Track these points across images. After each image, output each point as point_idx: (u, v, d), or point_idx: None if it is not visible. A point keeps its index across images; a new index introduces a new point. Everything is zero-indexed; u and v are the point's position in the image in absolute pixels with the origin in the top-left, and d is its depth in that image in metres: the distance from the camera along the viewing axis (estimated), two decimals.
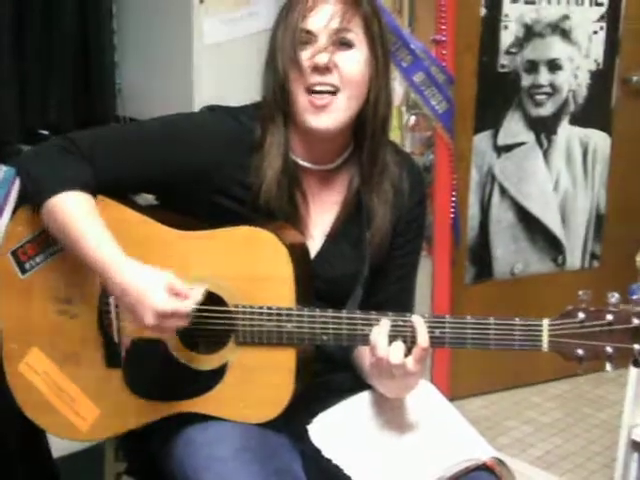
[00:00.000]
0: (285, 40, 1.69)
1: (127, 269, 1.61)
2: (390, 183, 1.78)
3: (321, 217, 1.79)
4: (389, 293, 1.82)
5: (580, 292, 1.58)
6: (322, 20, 1.67)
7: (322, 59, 1.66)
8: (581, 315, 1.57)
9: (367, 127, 1.75)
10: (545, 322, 1.59)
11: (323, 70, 1.67)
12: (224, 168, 1.71)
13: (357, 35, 1.69)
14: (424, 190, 1.90)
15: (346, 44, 1.69)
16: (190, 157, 1.71)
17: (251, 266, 1.66)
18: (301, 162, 1.76)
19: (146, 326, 1.59)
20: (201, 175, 1.71)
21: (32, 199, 1.70)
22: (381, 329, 1.61)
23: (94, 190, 1.69)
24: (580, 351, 1.57)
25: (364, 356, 1.74)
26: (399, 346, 1.59)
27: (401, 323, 1.62)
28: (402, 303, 1.82)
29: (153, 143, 1.73)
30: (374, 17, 1.72)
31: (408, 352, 1.60)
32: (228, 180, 1.72)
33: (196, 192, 1.72)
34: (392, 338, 1.61)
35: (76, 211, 1.65)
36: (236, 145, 1.72)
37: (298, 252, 1.68)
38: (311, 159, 1.76)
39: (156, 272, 1.60)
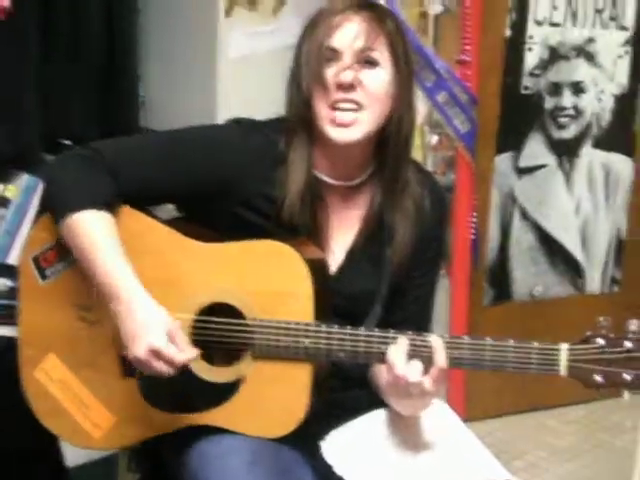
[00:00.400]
0: (310, 57, 1.70)
1: (138, 298, 1.62)
2: (412, 201, 1.78)
3: (342, 233, 1.79)
4: (407, 312, 1.82)
5: (600, 318, 1.57)
6: (347, 38, 1.68)
7: (347, 77, 1.67)
8: (600, 341, 1.56)
9: (390, 145, 1.75)
10: (564, 347, 1.59)
11: (347, 88, 1.67)
12: (248, 181, 1.72)
13: (381, 53, 1.70)
14: (445, 210, 1.91)
15: (370, 62, 1.69)
16: (215, 169, 1.72)
17: (271, 280, 1.66)
18: (324, 178, 1.76)
19: (134, 357, 1.60)
20: (225, 187, 1.72)
21: (54, 212, 1.71)
22: (399, 348, 1.61)
23: (117, 204, 1.70)
24: (598, 377, 1.56)
25: (381, 373, 1.73)
26: (417, 365, 1.59)
27: (419, 342, 1.62)
28: (420, 322, 1.81)
29: (178, 153, 1.74)
30: (398, 36, 1.73)
31: (425, 371, 1.59)
32: (252, 193, 1.72)
33: (219, 203, 1.73)
34: (410, 357, 1.60)
35: (95, 232, 1.66)
36: (261, 158, 1.73)
37: (318, 268, 1.68)
38: (334, 175, 1.77)
39: (164, 313, 1.62)
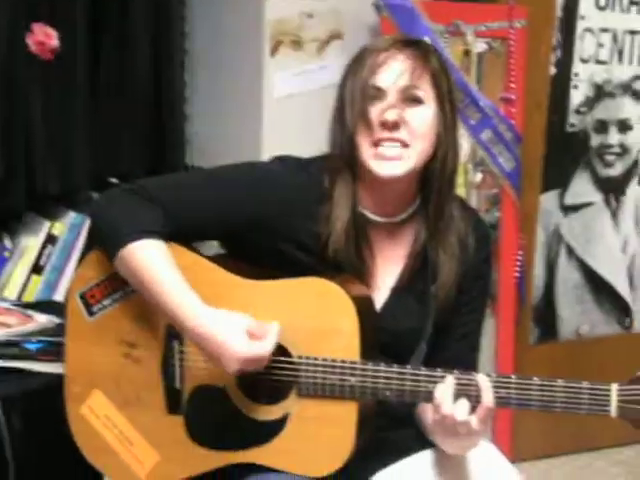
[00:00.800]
0: (354, 95, 1.70)
1: (204, 318, 1.62)
2: (456, 237, 1.77)
3: (387, 270, 1.78)
4: (453, 350, 1.80)
5: None
6: (391, 77, 1.68)
7: (391, 116, 1.67)
8: None
9: (434, 182, 1.74)
10: (614, 387, 1.56)
11: (392, 126, 1.67)
12: (293, 217, 1.72)
13: (426, 92, 1.70)
14: (490, 247, 1.89)
15: (415, 100, 1.69)
16: (260, 205, 1.72)
17: (317, 318, 1.65)
18: (368, 215, 1.76)
19: (232, 373, 1.62)
20: (269, 224, 1.72)
21: (106, 246, 1.72)
22: (446, 386, 1.59)
23: (166, 236, 1.71)
24: None
25: (427, 412, 1.72)
26: (464, 404, 1.57)
27: (466, 381, 1.60)
28: (466, 361, 1.79)
29: (223, 190, 1.75)
30: (442, 73, 1.73)
31: (472, 410, 1.58)
32: (296, 229, 1.73)
33: (264, 240, 1.73)
34: (457, 396, 1.59)
35: (152, 259, 1.67)
36: (305, 195, 1.73)
37: (364, 306, 1.68)
38: (378, 212, 1.76)
39: (232, 317, 1.63)
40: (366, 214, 1.76)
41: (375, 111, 1.68)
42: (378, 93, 1.69)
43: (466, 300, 1.81)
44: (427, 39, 2.88)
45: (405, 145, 1.68)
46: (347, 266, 1.72)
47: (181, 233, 1.72)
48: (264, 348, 1.60)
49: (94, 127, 2.76)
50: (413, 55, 1.71)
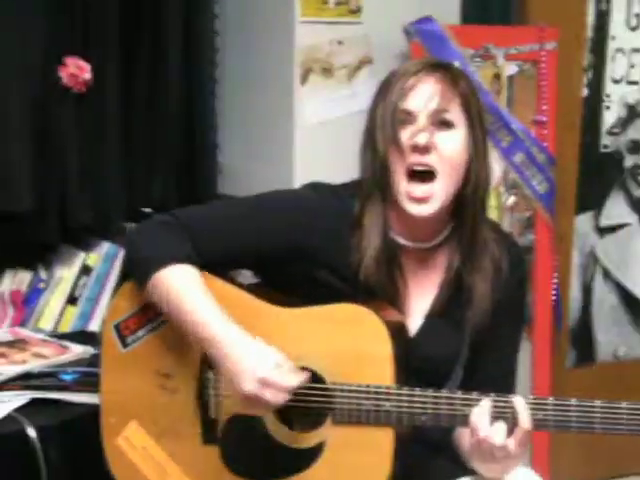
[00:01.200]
0: (385, 119, 1.70)
1: (236, 337, 1.63)
2: (490, 261, 1.76)
3: (421, 296, 1.77)
4: (489, 375, 1.79)
5: None
6: (422, 100, 1.68)
7: (422, 140, 1.66)
8: None
9: (466, 207, 1.73)
10: None
11: (423, 150, 1.67)
12: (325, 245, 1.72)
13: (456, 115, 1.70)
14: (525, 271, 1.88)
15: (445, 124, 1.69)
16: (292, 234, 1.72)
17: (350, 344, 1.65)
18: (400, 240, 1.75)
19: (244, 394, 1.59)
20: (302, 252, 1.72)
21: (138, 274, 1.73)
22: (482, 410, 1.58)
23: (198, 265, 1.71)
24: None
25: (464, 436, 1.70)
26: (501, 427, 1.56)
27: (502, 404, 1.59)
28: (502, 385, 1.77)
29: (255, 219, 1.75)
30: (472, 97, 1.73)
31: (510, 433, 1.56)
32: (329, 256, 1.72)
33: (296, 268, 1.73)
34: (493, 419, 1.57)
35: (183, 284, 1.68)
36: (338, 222, 1.73)
37: (397, 331, 1.67)
38: (410, 237, 1.76)
39: (265, 346, 1.62)
40: (397, 240, 1.75)
41: (406, 135, 1.68)
42: (408, 117, 1.68)
43: (501, 324, 1.79)
44: (457, 63, 2.89)
45: (435, 171, 1.67)
46: (379, 292, 1.72)
47: (213, 261, 1.73)
48: (289, 381, 1.59)
49: (127, 158, 2.78)
50: (442, 78, 1.70)
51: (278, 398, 1.59)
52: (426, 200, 1.68)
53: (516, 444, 1.57)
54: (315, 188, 1.80)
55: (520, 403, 1.58)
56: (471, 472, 1.74)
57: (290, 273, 1.75)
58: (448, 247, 1.78)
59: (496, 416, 1.59)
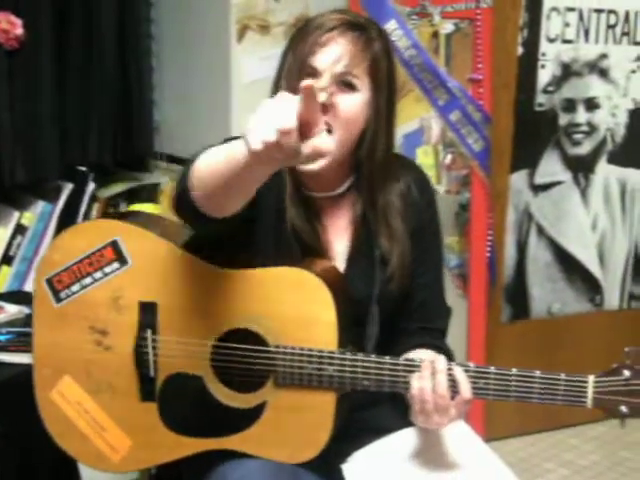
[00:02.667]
0: (291, 70, 1.70)
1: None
2: (399, 197, 1.80)
3: (340, 241, 1.80)
4: (420, 300, 1.83)
5: (626, 349, 1.58)
6: (329, 59, 1.68)
7: (321, 98, 1.64)
8: (627, 373, 1.57)
9: (364, 167, 1.76)
10: (591, 378, 1.59)
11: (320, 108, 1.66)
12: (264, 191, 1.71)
13: (361, 79, 1.70)
14: (432, 192, 1.91)
15: (348, 85, 1.69)
16: None
17: (295, 307, 1.65)
18: (307, 192, 1.77)
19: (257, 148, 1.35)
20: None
21: (182, 187, 1.59)
22: (423, 374, 1.60)
23: None
24: (624, 408, 1.57)
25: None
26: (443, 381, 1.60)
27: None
28: (435, 308, 1.85)
29: None
30: (384, 61, 1.73)
31: (451, 399, 1.59)
32: (268, 215, 1.74)
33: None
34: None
35: (209, 156, 1.54)
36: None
37: (340, 291, 1.68)
38: (316, 187, 1.78)
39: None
40: (305, 191, 1.77)
41: None
42: (313, 73, 1.68)
43: (421, 248, 1.83)
44: (394, 22, 2.89)
45: (329, 129, 1.65)
46: (306, 239, 1.74)
47: None
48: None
49: (61, 116, 2.74)
50: (356, 40, 1.70)
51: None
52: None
53: (456, 408, 1.61)
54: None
55: (460, 373, 1.61)
56: (409, 424, 1.77)
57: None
58: (354, 194, 1.81)
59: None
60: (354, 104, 1.70)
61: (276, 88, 1.74)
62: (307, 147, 1.30)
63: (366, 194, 1.78)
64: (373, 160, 1.75)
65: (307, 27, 1.73)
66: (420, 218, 1.83)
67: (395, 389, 1.65)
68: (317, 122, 1.31)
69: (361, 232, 1.80)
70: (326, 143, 1.31)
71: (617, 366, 1.58)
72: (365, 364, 1.64)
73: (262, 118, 1.31)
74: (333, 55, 1.68)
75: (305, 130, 1.30)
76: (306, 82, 1.28)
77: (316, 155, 1.31)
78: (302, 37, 1.71)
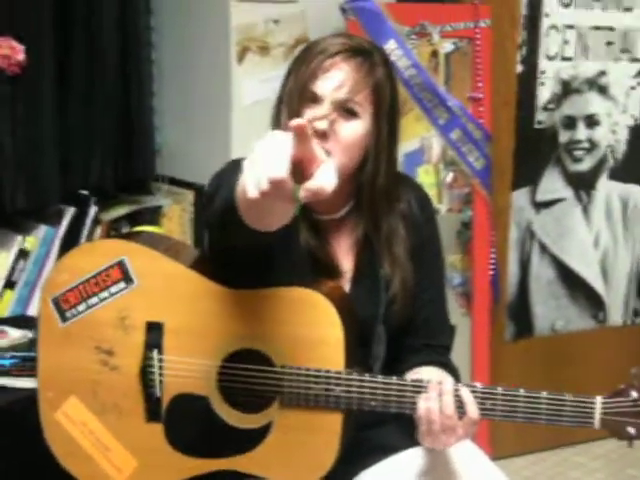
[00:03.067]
0: (292, 95, 1.69)
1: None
2: (400, 219, 1.80)
3: (345, 262, 1.81)
4: (422, 318, 1.83)
5: (633, 370, 1.57)
6: (331, 86, 1.67)
7: (321, 126, 1.66)
8: (634, 394, 1.57)
9: (364, 194, 1.76)
10: (598, 400, 1.59)
11: (320, 135, 1.66)
12: None
13: (363, 106, 1.69)
14: (432, 209, 1.91)
15: (350, 112, 1.69)
16: None
17: (301, 327, 1.65)
18: (314, 215, 1.78)
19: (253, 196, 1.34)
20: None
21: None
22: (430, 395, 1.60)
23: None
24: (631, 429, 1.57)
25: None
26: (450, 402, 1.59)
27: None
28: (438, 326, 1.85)
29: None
30: (386, 88, 1.73)
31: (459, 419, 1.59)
32: None
33: None
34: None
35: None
36: None
37: (347, 311, 1.67)
38: (318, 210, 1.78)
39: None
40: (310, 214, 1.77)
41: (309, 114, 1.67)
42: (315, 98, 1.68)
43: (422, 264, 1.83)
44: (393, 42, 2.90)
45: (329, 154, 1.65)
46: (321, 258, 1.75)
47: None
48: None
49: (63, 140, 2.75)
50: (359, 67, 1.69)
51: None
52: None
53: (463, 429, 1.60)
54: (236, 163, 1.78)
55: (467, 394, 1.60)
56: (416, 443, 1.77)
57: None
58: (355, 217, 1.81)
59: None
60: (355, 131, 1.69)
61: (277, 111, 1.74)
62: (306, 189, 1.25)
63: (368, 218, 1.78)
64: (374, 185, 1.75)
65: (310, 51, 1.72)
66: (420, 235, 1.84)
67: (402, 410, 1.65)
68: (315, 158, 1.26)
69: (364, 253, 1.80)
70: (327, 181, 1.26)
71: (624, 387, 1.58)
72: (372, 384, 1.63)
73: (255, 165, 1.26)
74: (335, 81, 1.67)
75: (304, 168, 1.27)
76: (296, 121, 1.23)
77: (317, 195, 1.27)
78: (304, 61, 1.71)
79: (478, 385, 1.63)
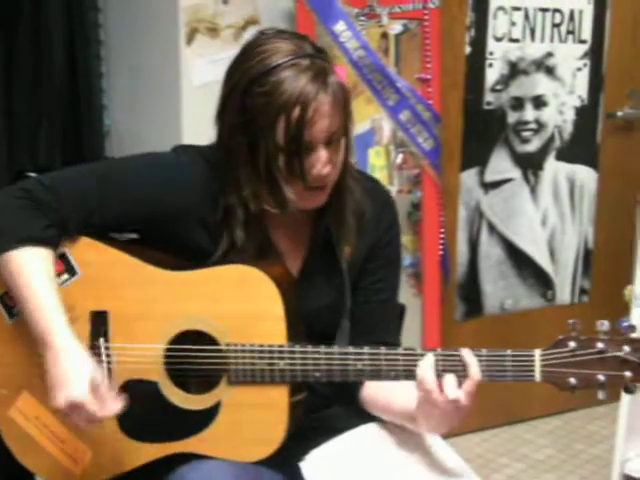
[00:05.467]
0: (278, 142, 1.62)
1: (66, 345, 1.61)
2: (353, 213, 1.77)
3: (293, 253, 1.79)
4: (373, 321, 1.82)
5: (570, 321, 1.59)
6: (321, 131, 1.62)
7: (326, 170, 1.65)
8: (572, 344, 1.58)
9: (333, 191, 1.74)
10: (537, 352, 1.59)
11: (324, 177, 1.67)
12: (193, 211, 1.71)
13: (340, 127, 1.67)
14: (394, 213, 1.88)
15: (334, 139, 1.66)
16: (165, 195, 1.70)
17: (242, 304, 1.66)
18: (265, 206, 1.73)
19: (54, 406, 1.60)
20: (176, 212, 1.70)
21: None
22: (426, 362, 1.60)
23: (57, 240, 1.68)
24: (573, 380, 1.57)
25: (377, 395, 1.76)
26: (451, 380, 1.58)
27: (451, 357, 1.61)
28: (386, 330, 1.83)
29: (121, 182, 1.72)
30: (348, 96, 1.70)
31: (459, 385, 1.58)
32: (198, 221, 1.72)
33: (168, 232, 1.72)
34: (442, 373, 1.60)
35: (28, 271, 1.65)
36: (209, 188, 1.71)
37: (286, 285, 1.68)
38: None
39: (90, 364, 1.61)
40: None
41: (308, 164, 1.64)
42: (309, 145, 1.63)
43: (374, 269, 1.82)
44: (342, 23, 2.90)
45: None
46: (250, 247, 1.72)
47: (87, 227, 1.70)
48: (98, 411, 1.58)
49: (9, 122, 2.72)
50: (332, 97, 1.63)
51: (82, 425, 1.61)
52: (320, 200, 1.71)
53: (466, 396, 1.59)
54: (185, 151, 1.77)
55: (468, 355, 1.60)
56: (370, 419, 1.79)
57: (166, 235, 1.73)
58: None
59: (446, 368, 1.60)
60: (341, 150, 1.69)
61: (248, 134, 1.64)
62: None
63: (333, 213, 1.76)
64: (342, 183, 1.74)
65: (278, 91, 1.60)
66: (377, 237, 1.81)
67: (345, 378, 1.66)
68: None
69: (320, 245, 1.79)
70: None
71: (562, 338, 1.58)
72: (315, 355, 1.64)
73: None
74: (323, 125, 1.62)
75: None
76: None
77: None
78: (277, 103, 1.60)
79: (417, 348, 1.64)
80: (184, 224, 1.72)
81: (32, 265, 1.65)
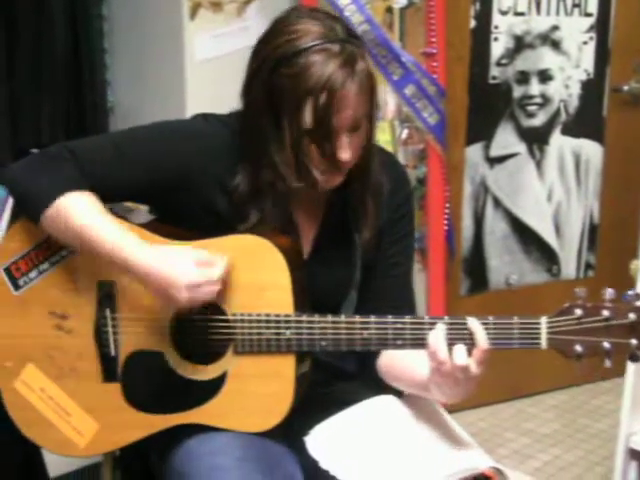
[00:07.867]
0: (310, 126, 1.62)
1: (147, 253, 1.62)
2: (373, 185, 1.77)
3: (307, 227, 1.79)
4: (386, 293, 1.82)
5: (576, 289, 1.59)
6: (346, 117, 1.62)
7: (346, 156, 1.65)
8: (578, 312, 1.57)
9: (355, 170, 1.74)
10: (543, 319, 1.60)
11: (345, 163, 1.67)
12: (217, 175, 1.71)
13: (366, 114, 1.66)
14: (409, 187, 1.89)
15: (357, 126, 1.66)
16: (178, 158, 1.70)
17: (249, 274, 1.65)
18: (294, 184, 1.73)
19: (182, 303, 1.60)
20: (189, 182, 1.70)
21: (30, 210, 1.69)
22: (438, 332, 1.59)
23: (89, 190, 1.69)
24: (579, 347, 1.57)
25: (394, 364, 1.76)
26: (461, 348, 1.58)
27: (457, 327, 1.61)
28: (403, 303, 1.83)
29: (143, 148, 1.72)
30: (374, 82, 1.68)
31: (468, 354, 1.58)
32: (217, 186, 1.72)
33: (188, 195, 1.71)
34: (451, 342, 1.59)
35: (81, 210, 1.65)
36: (229, 153, 1.72)
37: (294, 256, 1.68)
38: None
39: (178, 249, 1.63)
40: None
41: (330, 148, 1.64)
42: (332, 131, 1.63)
43: (391, 242, 1.83)
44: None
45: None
46: (269, 220, 1.72)
47: (105, 191, 1.70)
48: (213, 273, 1.60)
49: (13, 99, 2.71)
50: (359, 84, 1.62)
51: (213, 290, 1.61)
52: (337, 181, 1.71)
53: (476, 364, 1.58)
54: (205, 118, 1.78)
55: (474, 323, 1.60)
56: (371, 398, 1.79)
57: (176, 200, 1.73)
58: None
59: (453, 338, 1.60)
60: (363, 135, 1.68)
61: (274, 118, 1.64)
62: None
63: (354, 195, 1.76)
64: (367, 164, 1.74)
65: (305, 75, 1.60)
66: (392, 211, 1.82)
67: (352, 347, 1.66)
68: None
69: (336, 216, 1.79)
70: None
71: (569, 305, 1.58)
72: (321, 324, 1.64)
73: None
74: (348, 114, 1.62)
75: None
76: None
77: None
78: (304, 87, 1.60)
79: (425, 317, 1.63)
80: (206, 188, 1.71)
81: (81, 206, 1.66)
